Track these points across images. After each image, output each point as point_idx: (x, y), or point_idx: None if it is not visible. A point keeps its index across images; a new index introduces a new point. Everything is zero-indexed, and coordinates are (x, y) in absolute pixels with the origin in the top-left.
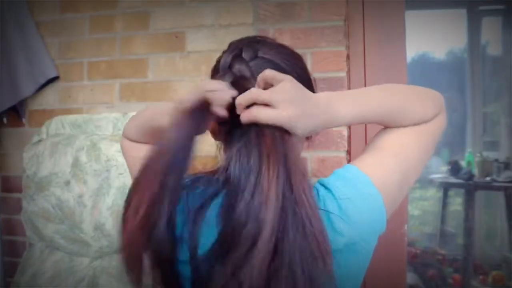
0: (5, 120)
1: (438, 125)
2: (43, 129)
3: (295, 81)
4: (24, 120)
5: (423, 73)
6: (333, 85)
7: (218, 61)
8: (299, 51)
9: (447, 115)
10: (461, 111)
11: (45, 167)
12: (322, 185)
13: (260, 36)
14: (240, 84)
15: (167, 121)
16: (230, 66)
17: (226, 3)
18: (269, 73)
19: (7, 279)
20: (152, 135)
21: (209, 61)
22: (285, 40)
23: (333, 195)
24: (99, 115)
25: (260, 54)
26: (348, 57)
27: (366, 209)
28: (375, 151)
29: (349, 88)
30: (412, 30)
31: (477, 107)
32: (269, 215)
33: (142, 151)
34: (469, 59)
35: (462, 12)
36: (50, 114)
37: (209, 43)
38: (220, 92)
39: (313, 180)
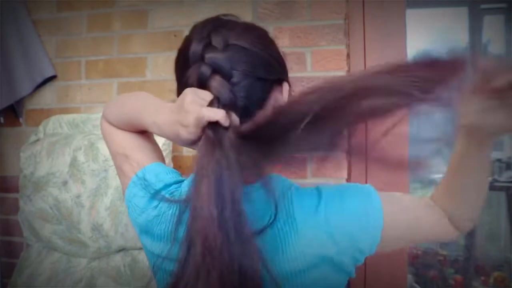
0: (2, 119)
1: None
2: (41, 128)
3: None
4: (21, 120)
5: None
6: None
7: (182, 51)
8: (298, 50)
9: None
10: None
11: (42, 167)
12: (321, 192)
13: (223, 15)
14: (218, 75)
15: (154, 127)
16: (202, 57)
17: (225, 1)
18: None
19: (4, 280)
20: (135, 129)
21: None
22: (284, 38)
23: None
24: (97, 114)
25: (231, 41)
26: (348, 56)
27: (360, 228)
28: (393, 193)
29: None
30: (412, 28)
31: None
32: None
33: (123, 137)
34: None
35: (463, 11)
36: (47, 113)
37: None
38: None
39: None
